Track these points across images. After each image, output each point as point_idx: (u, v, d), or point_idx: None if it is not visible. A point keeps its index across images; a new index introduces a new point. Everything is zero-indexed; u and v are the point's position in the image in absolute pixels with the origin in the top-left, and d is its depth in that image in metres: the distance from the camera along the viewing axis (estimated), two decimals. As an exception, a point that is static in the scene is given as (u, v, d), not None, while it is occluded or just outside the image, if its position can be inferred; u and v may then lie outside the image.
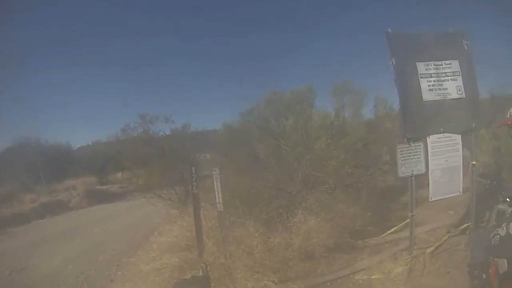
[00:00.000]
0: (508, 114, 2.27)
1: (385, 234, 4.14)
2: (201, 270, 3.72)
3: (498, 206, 2.51)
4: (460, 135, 3.52)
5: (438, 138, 3.42)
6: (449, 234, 3.92)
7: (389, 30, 3.38)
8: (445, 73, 3.49)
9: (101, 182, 15.99)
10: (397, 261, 3.62)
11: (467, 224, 3.74)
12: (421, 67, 3.40)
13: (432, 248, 3.72)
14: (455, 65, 3.53)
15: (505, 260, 2.15)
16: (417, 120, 3.33)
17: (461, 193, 3.66)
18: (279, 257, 3.57)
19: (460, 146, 3.54)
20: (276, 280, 3.41)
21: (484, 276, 2.29)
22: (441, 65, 3.49)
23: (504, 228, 2.11)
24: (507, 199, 2.48)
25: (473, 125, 3.60)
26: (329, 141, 4.26)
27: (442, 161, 3.46)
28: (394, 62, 3.30)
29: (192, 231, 4.15)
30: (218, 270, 3.59)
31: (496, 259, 2.22)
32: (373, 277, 3.51)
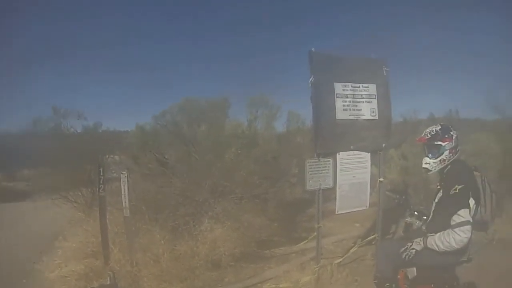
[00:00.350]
0: (423, 134, 2.37)
1: (299, 244, 4.28)
2: (108, 278, 3.49)
3: (406, 219, 2.59)
4: (369, 153, 3.73)
5: (347, 155, 3.58)
6: (357, 245, 4.10)
7: (313, 49, 3.45)
8: (361, 95, 3.66)
9: (7, 178, 14.58)
10: (305, 270, 3.69)
11: (374, 236, 3.98)
12: (338, 87, 3.52)
13: (340, 259, 3.86)
14: (372, 88, 3.72)
15: (414, 268, 2.31)
16: (329, 137, 3.44)
17: (367, 208, 3.87)
18: (185, 266, 3.51)
19: (368, 164, 3.74)
20: (183, 289, 3.34)
21: (394, 286, 2.39)
22: (359, 87, 3.65)
23: (421, 243, 2.21)
24: (415, 213, 2.58)
25: (383, 145, 3.83)
26: (239, 151, 4.29)
27: (350, 177, 3.63)
28: (312, 80, 3.39)
29: (98, 237, 3.91)
30: (124, 279, 3.45)
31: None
32: (281, 285, 3.55)
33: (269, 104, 5.26)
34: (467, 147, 4.44)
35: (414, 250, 2.22)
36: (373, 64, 3.84)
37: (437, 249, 2.12)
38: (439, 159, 2.28)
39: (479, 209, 2.11)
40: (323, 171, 3.43)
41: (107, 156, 6.16)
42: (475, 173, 2.16)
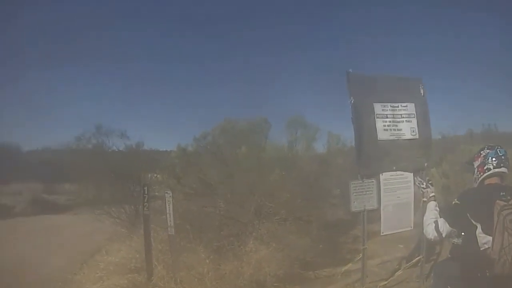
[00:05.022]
0: (479, 153, 2.26)
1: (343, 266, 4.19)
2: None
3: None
4: (412, 173, 3.66)
5: (390, 175, 3.56)
6: (403, 268, 4.03)
7: (350, 70, 3.51)
8: (401, 114, 3.67)
9: (48, 190, 15.10)
10: None
11: (419, 258, 3.89)
12: (378, 107, 3.56)
13: (385, 282, 3.78)
14: (410, 107, 3.74)
15: None
16: (371, 158, 3.47)
17: (412, 228, 3.80)
18: (230, 285, 3.51)
19: (411, 184, 3.67)
20: (227, 309, 3.35)
21: None
22: (397, 107, 3.68)
23: None
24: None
25: (425, 164, 3.79)
26: (283, 172, 4.32)
27: (395, 197, 3.61)
28: (352, 101, 3.44)
29: (141, 253, 3.97)
30: None
31: None
32: None
33: (307, 125, 5.28)
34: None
35: None
36: (410, 83, 3.87)
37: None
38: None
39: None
40: (367, 192, 3.44)
41: (149, 175, 6.34)
42: (498, 201, 1.93)
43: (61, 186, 15.29)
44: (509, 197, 1.96)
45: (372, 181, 3.47)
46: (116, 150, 6.64)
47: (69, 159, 7.09)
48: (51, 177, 15.06)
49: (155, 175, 6.38)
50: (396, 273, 3.94)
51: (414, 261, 3.96)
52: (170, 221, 3.65)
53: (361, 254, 3.57)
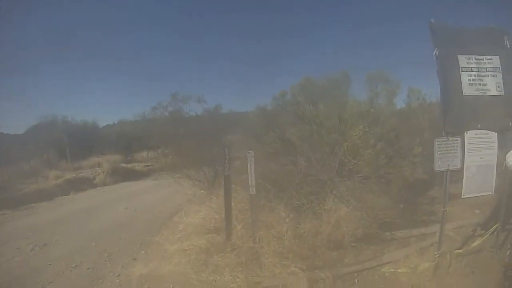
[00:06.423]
0: None
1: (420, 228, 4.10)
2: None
3: None
4: (496, 133, 3.46)
5: (475, 134, 3.38)
6: (480, 236, 3.89)
7: (432, 20, 3.32)
8: (486, 68, 3.44)
9: (126, 160, 15.93)
10: (424, 256, 3.60)
11: (496, 225, 3.74)
12: (462, 60, 3.36)
13: (461, 250, 3.69)
14: (495, 60, 3.48)
15: None
16: (457, 114, 3.30)
17: (492, 193, 3.61)
18: (308, 245, 3.58)
19: (495, 144, 3.49)
20: (304, 267, 3.42)
21: None
22: (482, 59, 3.44)
23: None
24: None
25: (510, 124, 3.52)
26: (367, 129, 4.21)
27: (478, 158, 3.44)
28: (437, 53, 3.27)
29: (220, 213, 4.13)
30: (245, 254, 3.62)
31: None
32: (399, 270, 3.50)
33: (388, 79, 5.01)
34: None
35: None
36: (495, 33, 3.57)
37: None
38: None
39: None
40: (452, 151, 3.29)
41: (229, 136, 6.49)
42: None
43: (139, 155, 16.33)
44: None
45: (457, 139, 3.30)
46: (195, 114, 6.82)
47: (146, 128, 7.35)
48: (128, 147, 16.24)
49: (235, 136, 6.51)
50: (474, 243, 3.81)
51: (491, 230, 3.79)
52: (251, 180, 3.73)
53: (439, 217, 3.48)
